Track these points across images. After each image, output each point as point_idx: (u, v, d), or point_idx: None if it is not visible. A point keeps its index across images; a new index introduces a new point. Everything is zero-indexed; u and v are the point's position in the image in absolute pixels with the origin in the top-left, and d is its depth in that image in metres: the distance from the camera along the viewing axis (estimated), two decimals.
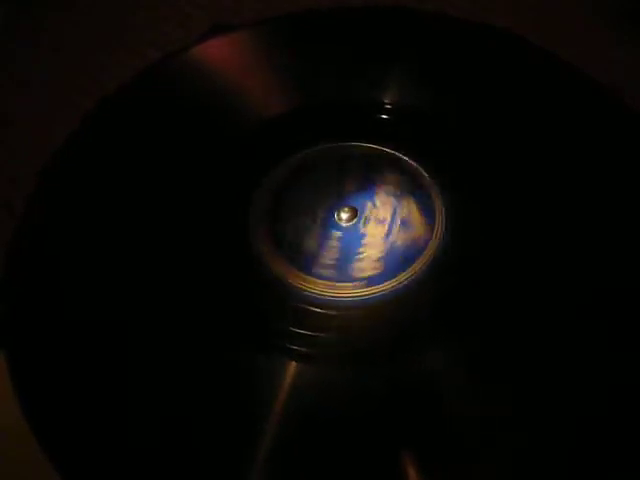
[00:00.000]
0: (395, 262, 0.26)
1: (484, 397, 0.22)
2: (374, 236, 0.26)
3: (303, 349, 0.23)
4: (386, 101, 0.29)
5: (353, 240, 0.26)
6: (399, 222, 0.27)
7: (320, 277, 0.25)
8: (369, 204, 0.27)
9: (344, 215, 0.27)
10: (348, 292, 0.25)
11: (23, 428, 0.21)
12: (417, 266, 0.25)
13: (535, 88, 0.30)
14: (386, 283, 0.25)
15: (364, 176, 0.28)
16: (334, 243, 0.26)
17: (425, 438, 0.21)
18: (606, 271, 0.24)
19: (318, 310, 0.24)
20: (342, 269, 0.26)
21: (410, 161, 0.28)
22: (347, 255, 0.26)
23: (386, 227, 0.27)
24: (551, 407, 0.21)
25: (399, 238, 0.26)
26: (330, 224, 0.27)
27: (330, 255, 0.26)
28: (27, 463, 0.22)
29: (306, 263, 0.26)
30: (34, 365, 0.22)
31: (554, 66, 0.30)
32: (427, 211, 0.27)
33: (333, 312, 0.24)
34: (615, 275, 0.24)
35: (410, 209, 0.27)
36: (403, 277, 0.25)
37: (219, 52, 0.31)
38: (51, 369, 0.22)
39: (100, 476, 0.20)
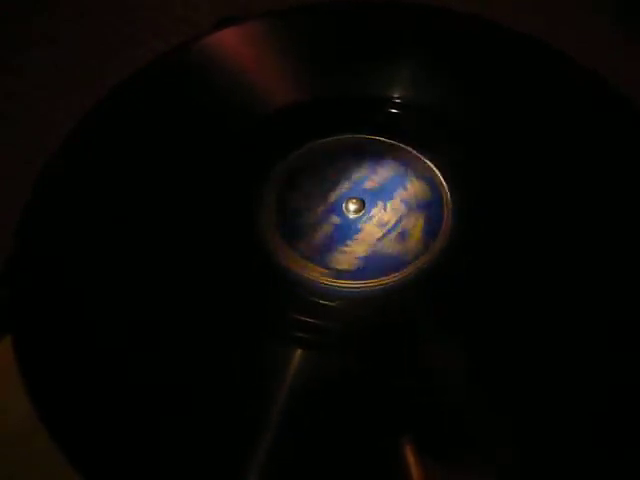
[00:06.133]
0: (394, 258, 0.26)
1: (485, 386, 0.22)
2: (371, 234, 0.27)
3: (307, 337, 0.23)
4: (395, 95, 0.30)
5: (349, 231, 0.26)
6: (402, 218, 0.27)
7: (322, 268, 0.25)
8: (376, 197, 0.27)
9: (352, 206, 0.27)
10: (352, 283, 0.25)
11: (30, 413, 0.21)
12: (422, 261, 0.25)
13: (540, 84, 0.30)
14: (390, 275, 0.25)
15: (372, 169, 0.28)
16: (330, 229, 0.26)
17: (427, 425, 0.21)
18: (609, 267, 0.24)
19: (322, 299, 0.24)
20: (325, 255, 0.26)
21: (418, 154, 0.28)
22: (334, 243, 0.26)
23: (385, 228, 0.27)
24: (550, 399, 0.21)
25: (392, 243, 0.26)
26: (336, 212, 0.27)
27: (323, 239, 0.26)
28: (34, 449, 0.21)
29: (313, 253, 0.26)
30: (41, 350, 0.22)
31: (559, 63, 0.30)
32: (430, 209, 0.27)
33: (337, 301, 0.24)
34: (619, 271, 0.24)
35: (415, 206, 0.27)
36: (407, 271, 0.25)
37: (226, 44, 0.31)
38: (58, 355, 0.22)
39: (104, 461, 0.20)
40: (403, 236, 0.26)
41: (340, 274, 0.25)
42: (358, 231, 0.27)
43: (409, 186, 0.28)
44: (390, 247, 0.26)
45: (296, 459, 0.21)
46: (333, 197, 0.28)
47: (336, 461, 0.20)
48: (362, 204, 0.27)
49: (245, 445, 0.20)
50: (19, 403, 0.21)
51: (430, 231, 0.26)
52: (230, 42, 0.31)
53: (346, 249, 0.26)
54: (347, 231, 0.27)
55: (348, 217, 0.27)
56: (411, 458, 0.20)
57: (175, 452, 0.20)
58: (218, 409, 0.21)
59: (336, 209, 0.27)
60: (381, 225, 0.27)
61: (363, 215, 0.27)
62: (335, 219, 0.27)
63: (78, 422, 0.21)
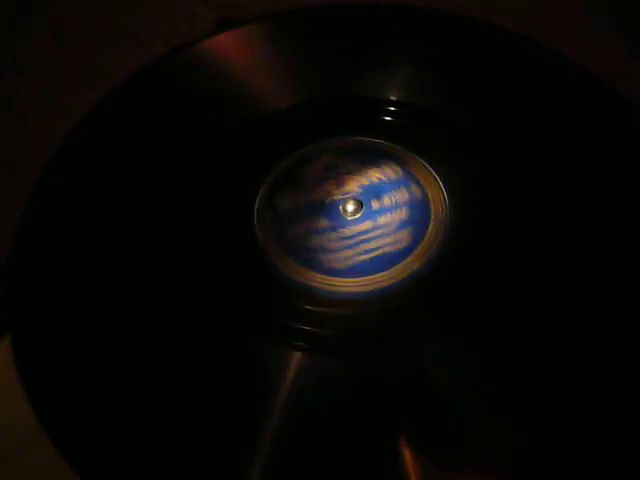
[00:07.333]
0: (392, 259, 0.26)
1: (482, 386, 0.22)
2: (375, 231, 0.27)
3: (306, 340, 0.23)
4: (391, 97, 0.30)
5: (354, 234, 0.26)
6: (401, 219, 0.27)
7: (322, 269, 0.25)
8: (374, 198, 0.27)
9: (349, 208, 0.27)
10: (350, 285, 0.25)
11: (28, 413, 0.21)
12: (419, 261, 0.25)
13: (540, 85, 0.30)
14: (386, 277, 0.25)
15: (369, 170, 0.28)
16: (335, 236, 0.26)
17: (424, 425, 0.21)
18: (609, 270, 0.24)
19: (320, 301, 0.24)
20: (320, 256, 0.26)
21: (415, 156, 0.28)
22: (347, 248, 0.26)
23: (388, 223, 0.27)
24: (550, 400, 0.21)
25: (398, 235, 0.26)
26: (335, 217, 0.27)
27: (332, 248, 0.26)
28: (34, 448, 0.21)
29: (310, 255, 0.26)
30: (40, 349, 0.22)
31: (559, 64, 0.30)
32: (430, 210, 0.27)
33: (335, 304, 0.24)
34: (618, 274, 0.24)
35: (414, 207, 0.27)
36: (405, 271, 0.25)
37: (226, 46, 0.31)
38: (57, 354, 0.22)
39: (101, 461, 0.20)
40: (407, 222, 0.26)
41: (333, 274, 0.25)
42: (351, 233, 0.27)
43: (406, 195, 0.28)
44: (374, 254, 0.26)
45: (295, 460, 0.21)
46: (332, 199, 0.28)
47: (335, 462, 0.20)
48: (360, 206, 0.27)
49: (245, 447, 0.20)
50: (20, 402, 0.21)
51: (414, 247, 0.26)
52: (230, 43, 0.31)
53: (338, 249, 0.26)
54: (340, 232, 0.27)
55: (344, 218, 0.27)
56: (410, 458, 0.20)
57: (175, 455, 0.20)
58: (217, 413, 0.21)
59: (334, 211, 0.27)
60: (372, 230, 0.27)
61: (359, 217, 0.27)
62: (331, 221, 0.27)
63: (77, 424, 0.21)
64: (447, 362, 0.22)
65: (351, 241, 0.26)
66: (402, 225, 0.27)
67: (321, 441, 0.21)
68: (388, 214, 0.27)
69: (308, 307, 0.24)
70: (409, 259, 0.26)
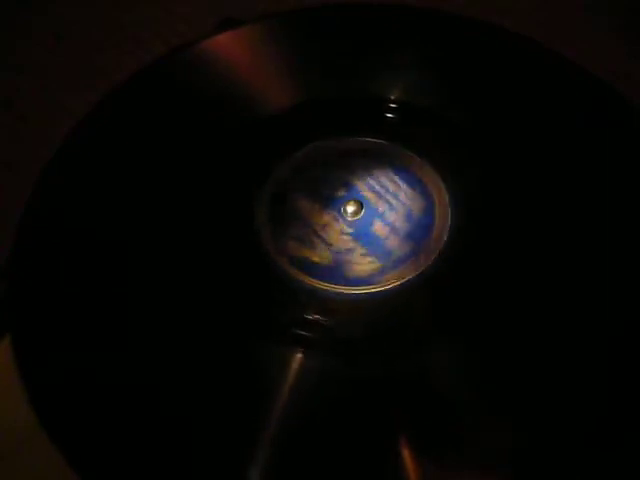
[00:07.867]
0: (397, 259, 0.26)
1: (482, 386, 0.22)
2: (378, 233, 0.27)
3: (306, 339, 0.23)
4: (392, 97, 0.30)
5: (355, 234, 0.27)
6: (401, 219, 0.27)
7: (323, 270, 0.25)
8: (374, 199, 0.27)
9: (350, 209, 0.27)
10: (350, 286, 0.25)
11: (28, 413, 0.21)
12: (420, 263, 0.25)
13: (540, 86, 0.30)
14: (388, 278, 0.25)
15: (370, 171, 0.28)
16: (338, 237, 0.26)
17: (424, 425, 0.21)
18: (608, 273, 0.24)
19: (321, 301, 0.24)
20: (341, 266, 0.26)
21: (415, 156, 0.28)
22: (348, 252, 0.26)
23: (389, 225, 0.27)
24: (550, 400, 0.21)
25: (399, 235, 0.26)
26: (335, 217, 0.27)
27: (332, 249, 0.26)
28: (34, 448, 0.21)
29: (311, 254, 0.26)
30: (40, 349, 0.22)
31: (558, 64, 0.30)
32: (431, 211, 0.27)
33: (336, 304, 0.24)
34: (617, 270, 0.24)
35: (415, 208, 0.27)
36: (406, 272, 0.25)
37: (226, 46, 0.31)
38: (57, 354, 0.22)
39: (101, 461, 0.20)
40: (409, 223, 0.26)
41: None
42: (351, 232, 0.27)
43: (407, 195, 0.28)
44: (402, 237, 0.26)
45: (295, 460, 0.21)
46: (332, 199, 0.28)
47: (335, 462, 0.20)
48: (360, 206, 0.27)
49: (245, 447, 0.21)
50: (20, 402, 0.21)
51: (415, 247, 0.26)
52: (231, 43, 0.31)
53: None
54: (341, 232, 0.27)
55: (345, 219, 0.27)
56: (410, 458, 0.20)
57: (175, 455, 0.20)
58: (217, 413, 0.21)
59: (334, 211, 0.27)
60: (372, 229, 0.27)
61: (360, 218, 0.27)
62: (331, 221, 0.27)
63: (77, 424, 0.21)
64: (447, 362, 0.22)
65: (351, 240, 0.26)
66: (403, 225, 0.27)
67: (321, 441, 0.21)
68: (388, 214, 0.27)
69: (309, 307, 0.24)
70: (410, 259, 0.26)
